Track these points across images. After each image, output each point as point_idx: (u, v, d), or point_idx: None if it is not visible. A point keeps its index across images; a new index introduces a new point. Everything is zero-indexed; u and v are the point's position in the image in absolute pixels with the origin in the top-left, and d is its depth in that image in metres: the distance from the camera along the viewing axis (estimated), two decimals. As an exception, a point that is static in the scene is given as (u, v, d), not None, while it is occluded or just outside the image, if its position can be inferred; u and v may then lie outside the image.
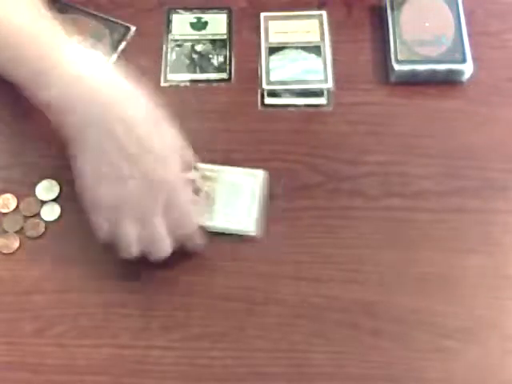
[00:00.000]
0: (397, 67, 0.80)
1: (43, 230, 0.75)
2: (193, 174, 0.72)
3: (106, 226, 0.69)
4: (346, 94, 0.81)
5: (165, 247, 0.69)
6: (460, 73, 0.81)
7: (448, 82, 0.81)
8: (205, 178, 0.74)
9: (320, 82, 0.81)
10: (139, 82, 0.69)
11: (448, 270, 0.71)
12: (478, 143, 0.78)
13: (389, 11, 0.83)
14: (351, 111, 0.80)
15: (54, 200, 0.76)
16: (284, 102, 0.81)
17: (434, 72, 0.80)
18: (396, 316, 0.69)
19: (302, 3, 0.87)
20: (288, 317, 0.70)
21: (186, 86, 0.83)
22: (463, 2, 0.84)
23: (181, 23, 0.86)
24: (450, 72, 0.81)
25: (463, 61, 0.80)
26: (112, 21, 0.87)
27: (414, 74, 0.81)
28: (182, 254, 0.73)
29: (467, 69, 0.80)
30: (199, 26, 0.86)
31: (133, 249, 0.68)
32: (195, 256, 0.73)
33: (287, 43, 0.84)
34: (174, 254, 0.73)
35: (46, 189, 0.76)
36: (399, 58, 0.80)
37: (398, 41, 0.81)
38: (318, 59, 0.82)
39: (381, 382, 0.67)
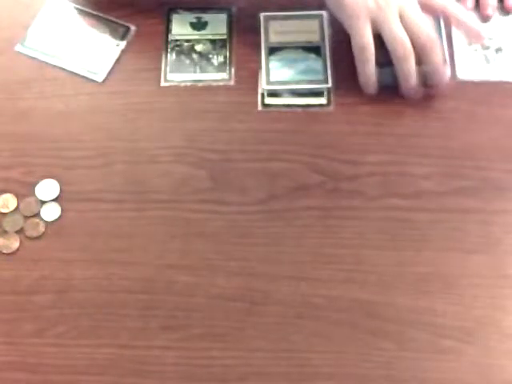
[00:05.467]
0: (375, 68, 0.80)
1: (43, 230, 0.75)
2: None
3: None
4: (346, 94, 0.81)
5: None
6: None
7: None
8: None
9: (320, 81, 0.81)
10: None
11: (448, 270, 0.71)
12: (477, 143, 0.78)
13: None
14: (351, 111, 0.80)
15: (54, 200, 0.76)
16: (284, 102, 0.81)
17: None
18: (396, 316, 0.69)
19: (302, 3, 0.87)
20: (288, 317, 0.70)
21: (185, 86, 0.83)
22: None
23: (181, 23, 0.86)
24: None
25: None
26: (112, 21, 0.87)
27: (391, 75, 0.80)
28: (182, 254, 0.73)
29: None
30: (199, 26, 0.86)
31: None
32: (195, 256, 0.73)
33: (287, 43, 0.84)
34: (173, 252, 0.73)
35: (46, 189, 0.76)
36: (379, 59, 0.80)
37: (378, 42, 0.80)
38: (318, 59, 0.82)
39: (381, 381, 0.67)
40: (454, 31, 0.84)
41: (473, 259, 0.72)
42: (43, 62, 0.84)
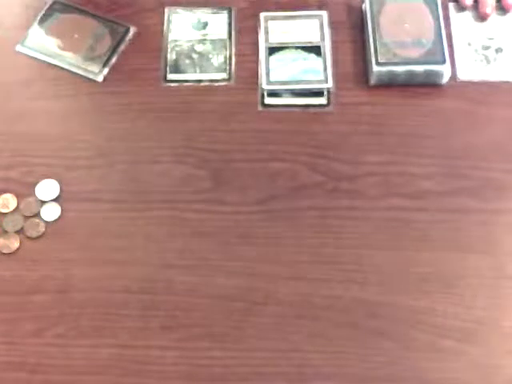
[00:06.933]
0: (375, 68, 0.80)
1: (43, 229, 0.75)
2: None
3: None
4: (346, 94, 0.81)
5: None
6: (439, 74, 0.80)
7: (428, 84, 0.81)
8: None
9: (320, 82, 0.81)
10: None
11: (448, 270, 0.71)
12: (478, 143, 0.78)
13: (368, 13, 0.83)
14: (351, 111, 0.80)
15: (54, 200, 0.76)
16: (284, 102, 0.81)
17: (412, 74, 0.80)
18: (396, 316, 0.69)
19: (302, 3, 0.87)
20: (288, 317, 0.70)
21: (185, 86, 0.83)
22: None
23: (181, 23, 0.86)
24: (429, 73, 0.80)
25: (442, 62, 0.79)
26: (112, 21, 0.87)
27: (391, 75, 0.80)
28: (181, 254, 0.73)
29: (446, 70, 0.80)
30: (199, 26, 0.86)
31: None
32: (195, 256, 0.73)
33: (287, 43, 0.84)
34: (173, 252, 0.73)
35: (46, 189, 0.76)
36: (379, 59, 0.80)
37: (378, 42, 0.81)
38: (318, 59, 0.82)
39: (381, 381, 0.67)
40: (454, 31, 0.84)
41: (473, 259, 0.72)
42: (43, 61, 0.84)
